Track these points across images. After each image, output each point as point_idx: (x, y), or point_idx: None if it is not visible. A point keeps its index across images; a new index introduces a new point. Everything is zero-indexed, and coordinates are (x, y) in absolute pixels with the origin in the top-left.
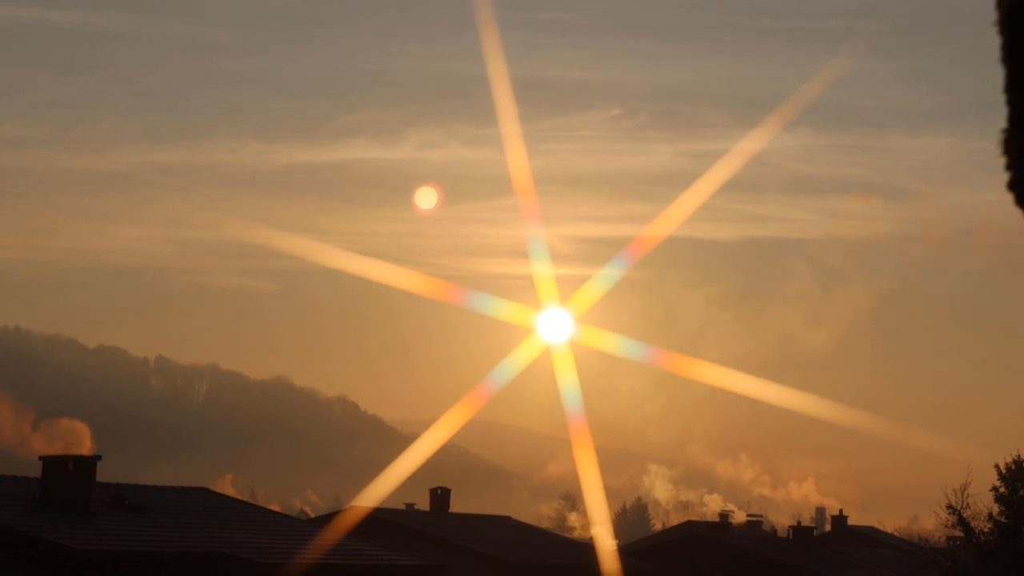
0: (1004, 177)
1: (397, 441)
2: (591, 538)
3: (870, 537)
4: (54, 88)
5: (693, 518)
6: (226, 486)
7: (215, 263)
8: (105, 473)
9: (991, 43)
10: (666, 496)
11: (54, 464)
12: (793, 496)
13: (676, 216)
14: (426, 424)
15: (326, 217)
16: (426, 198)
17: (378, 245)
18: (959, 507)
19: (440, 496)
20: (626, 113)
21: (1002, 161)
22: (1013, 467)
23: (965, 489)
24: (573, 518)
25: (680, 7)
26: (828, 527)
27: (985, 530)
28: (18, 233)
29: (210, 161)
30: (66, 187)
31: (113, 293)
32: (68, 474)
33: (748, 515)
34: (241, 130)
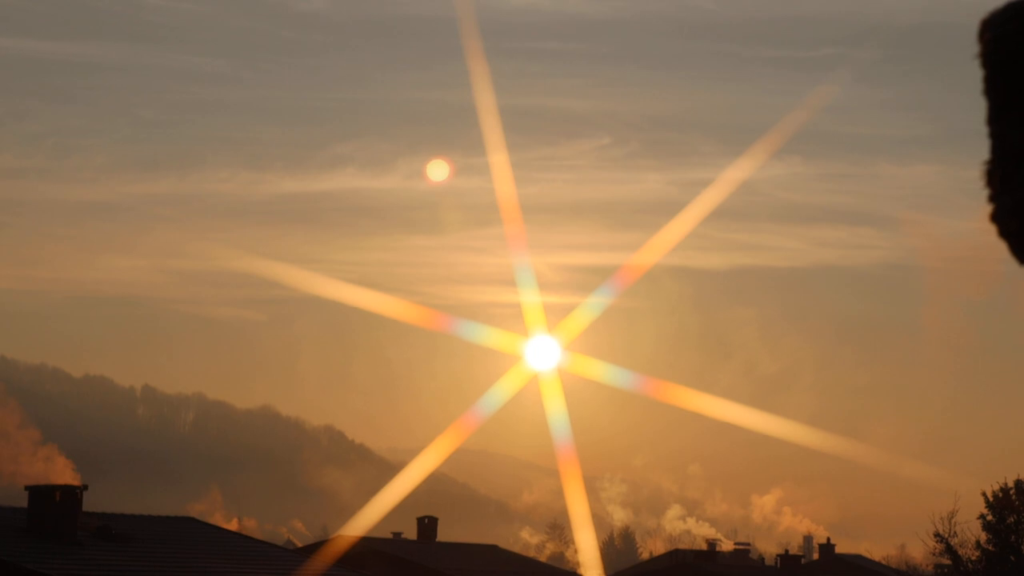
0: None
1: (384, 470)
2: (578, 567)
3: (857, 565)
4: (48, 118)
5: (681, 546)
6: (213, 505)
7: (204, 293)
8: (91, 503)
9: (980, 72)
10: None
11: (40, 494)
12: (780, 524)
13: (665, 244)
14: (413, 453)
15: (316, 246)
16: (438, 170)
17: (367, 274)
18: (947, 535)
19: (427, 525)
20: (617, 142)
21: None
22: (1000, 495)
23: (953, 517)
24: (559, 547)
25: (671, 36)
26: (816, 555)
27: (973, 558)
28: (6, 263)
29: (201, 191)
30: (57, 217)
31: (100, 323)
32: (54, 504)
33: (736, 544)
34: (232, 160)
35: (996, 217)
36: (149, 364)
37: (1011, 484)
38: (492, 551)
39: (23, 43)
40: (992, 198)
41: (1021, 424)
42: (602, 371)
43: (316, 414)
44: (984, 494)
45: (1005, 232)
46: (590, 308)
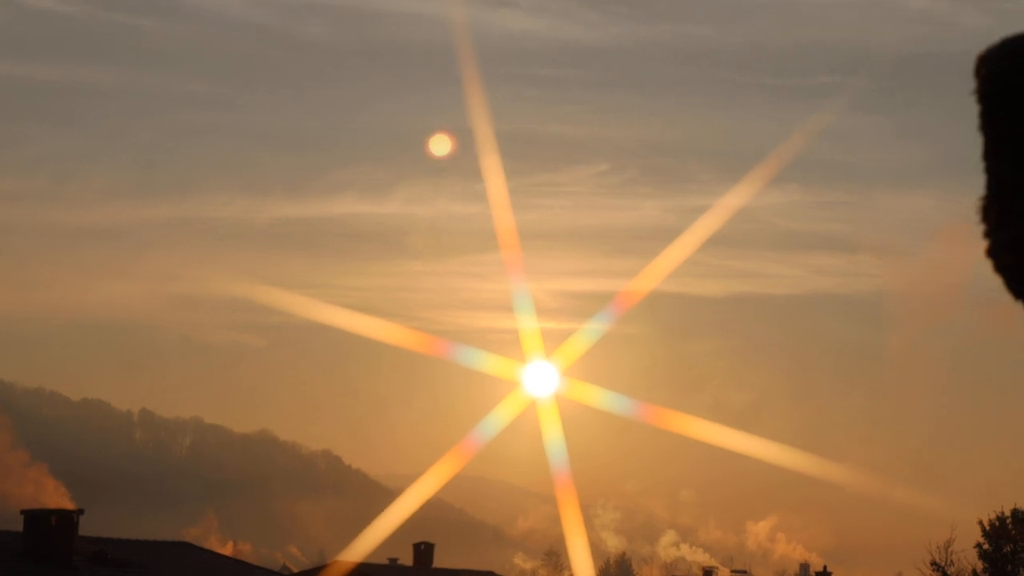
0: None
1: (381, 495)
2: None
3: None
4: (48, 142)
5: (678, 574)
6: (208, 529)
7: (202, 318)
8: (87, 527)
9: (976, 107)
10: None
11: (36, 518)
12: (774, 551)
13: (662, 271)
14: (410, 479)
15: (315, 272)
16: (440, 145)
17: (366, 299)
18: (943, 564)
19: (424, 551)
20: (614, 169)
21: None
22: (997, 524)
23: (949, 546)
24: (553, 574)
25: (669, 63)
26: None
27: None
28: (4, 288)
29: (199, 216)
30: (55, 241)
31: (98, 347)
32: (50, 528)
33: (732, 571)
34: (231, 185)
35: (992, 252)
36: (147, 388)
37: (1008, 513)
38: None
39: (22, 67)
40: (988, 233)
41: (1018, 452)
42: (599, 397)
43: (313, 439)
44: (981, 523)
45: (1001, 267)
46: (588, 334)
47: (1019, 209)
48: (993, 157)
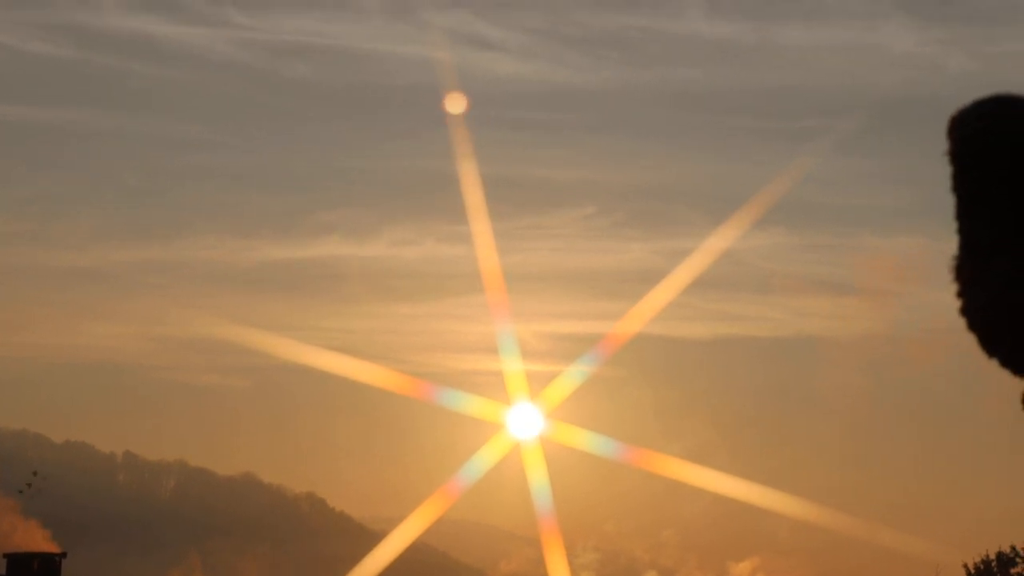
0: None
1: (365, 538)
2: None
3: None
4: (35, 184)
5: None
6: (190, 572)
7: (188, 360)
8: (71, 570)
9: (948, 168)
10: None
11: (18, 561)
12: None
13: (648, 313)
14: (395, 521)
15: (301, 314)
16: (455, 103)
17: (351, 341)
18: None
19: None
20: (601, 211)
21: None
22: (982, 567)
23: None
24: None
25: (656, 106)
26: None
27: None
28: None
29: (187, 258)
30: (42, 283)
31: (82, 389)
32: (32, 572)
33: None
34: (219, 227)
35: (965, 311)
36: (131, 430)
37: (992, 556)
38: None
39: (9, 109)
40: (960, 293)
41: (1003, 494)
42: (584, 440)
43: (298, 481)
44: (965, 566)
45: (974, 326)
46: (573, 376)
47: (994, 269)
48: (966, 217)
